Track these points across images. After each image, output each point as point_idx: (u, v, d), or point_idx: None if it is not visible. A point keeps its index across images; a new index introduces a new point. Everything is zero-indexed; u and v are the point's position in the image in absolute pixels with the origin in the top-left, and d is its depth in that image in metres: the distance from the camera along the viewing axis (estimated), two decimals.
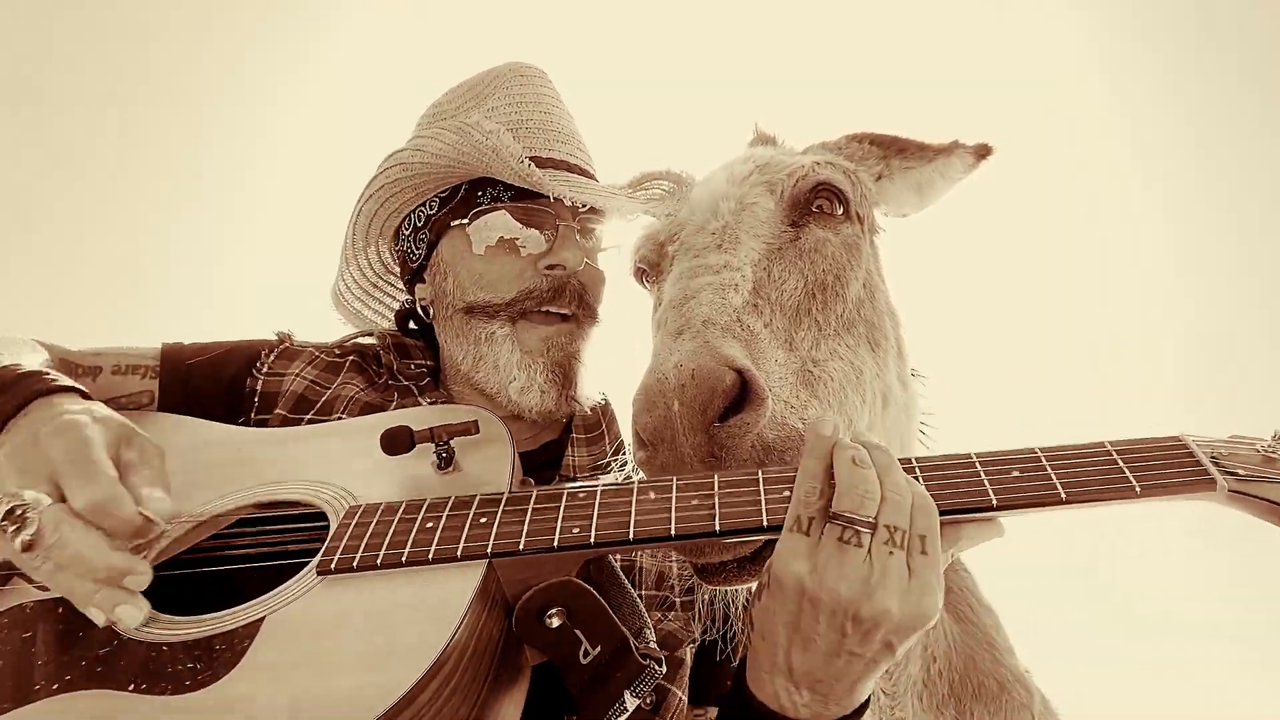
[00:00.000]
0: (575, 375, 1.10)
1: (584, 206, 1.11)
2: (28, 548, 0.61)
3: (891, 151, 1.26)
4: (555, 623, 0.66)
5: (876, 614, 0.61)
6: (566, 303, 1.09)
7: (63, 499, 0.65)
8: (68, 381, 0.78)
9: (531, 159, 1.04)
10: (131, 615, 0.63)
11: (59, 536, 0.62)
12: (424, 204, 1.16)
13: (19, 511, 0.62)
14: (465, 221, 1.11)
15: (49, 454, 0.67)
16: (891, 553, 0.62)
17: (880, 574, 0.61)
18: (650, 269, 1.10)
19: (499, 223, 1.09)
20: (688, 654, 1.00)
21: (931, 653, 1.17)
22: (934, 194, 1.30)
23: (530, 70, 1.19)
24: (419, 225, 1.17)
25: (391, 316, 1.31)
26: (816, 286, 0.93)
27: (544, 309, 1.08)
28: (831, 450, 0.66)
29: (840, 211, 1.03)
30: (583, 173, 1.14)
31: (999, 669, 1.19)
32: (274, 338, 1.17)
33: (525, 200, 1.09)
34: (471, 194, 1.12)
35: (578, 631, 0.66)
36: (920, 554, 0.63)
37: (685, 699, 0.99)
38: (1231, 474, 0.67)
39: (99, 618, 0.64)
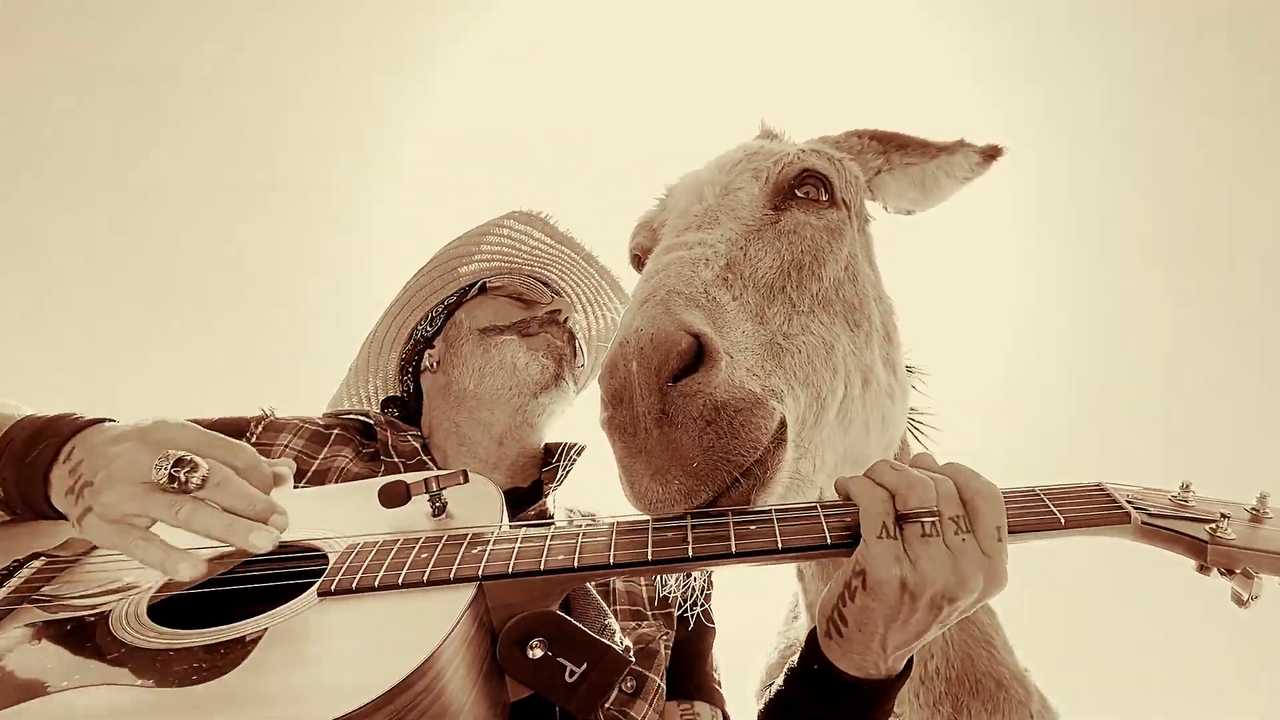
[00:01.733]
0: (566, 367, 1.36)
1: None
2: (201, 484, 0.73)
3: (892, 147, 1.28)
4: (537, 653, 0.71)
5: (968, 591, 0.71)
6: (559, 333, 1.39)
7: None
8: (99, 416, 0.89)
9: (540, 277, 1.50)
10: (264, 539, 0.74)
11: (225, 475, 0.75)
12: (441, 301, 1.48)
13: (188, 459, 0.73)
14: (478, 286, 1.46)
15: (173, 436, 0.77)
16: (964, 540, 0.72)
17: (960, 556, 0.71)
18: (644, 254, 1.14)
19: (511, 287, 1.46)
20: (662, 647, 1.12)
21: (929, 649, 1.16)
22: (940, 191, 1.31)
23: (531, 211, 1.53)
24: (436, 314, 1.48)
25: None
26: (792, 265, 0.96)
27: (544, 332, 1.37)
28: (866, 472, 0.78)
29: (825, 197, 1.06)
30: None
31: (997, 667, 1.17)
32: (258, 413, 1.32)
33: (528, 289, 1.47)
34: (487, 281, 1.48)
35: (560, 659, 0.72)
36: (971, 533, 0.73)
37: (663, 686, 1.09)
38: (1143, 510, 0.78)
39: (244, 542, 0.74)
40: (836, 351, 0.94)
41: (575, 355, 1.41)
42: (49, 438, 0.82)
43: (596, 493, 1.39)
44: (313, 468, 1.22)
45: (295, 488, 1.18)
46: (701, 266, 0.87)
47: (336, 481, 1.19)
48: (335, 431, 1.29)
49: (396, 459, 1.27)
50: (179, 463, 0.72)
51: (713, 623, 1.26)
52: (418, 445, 1.31)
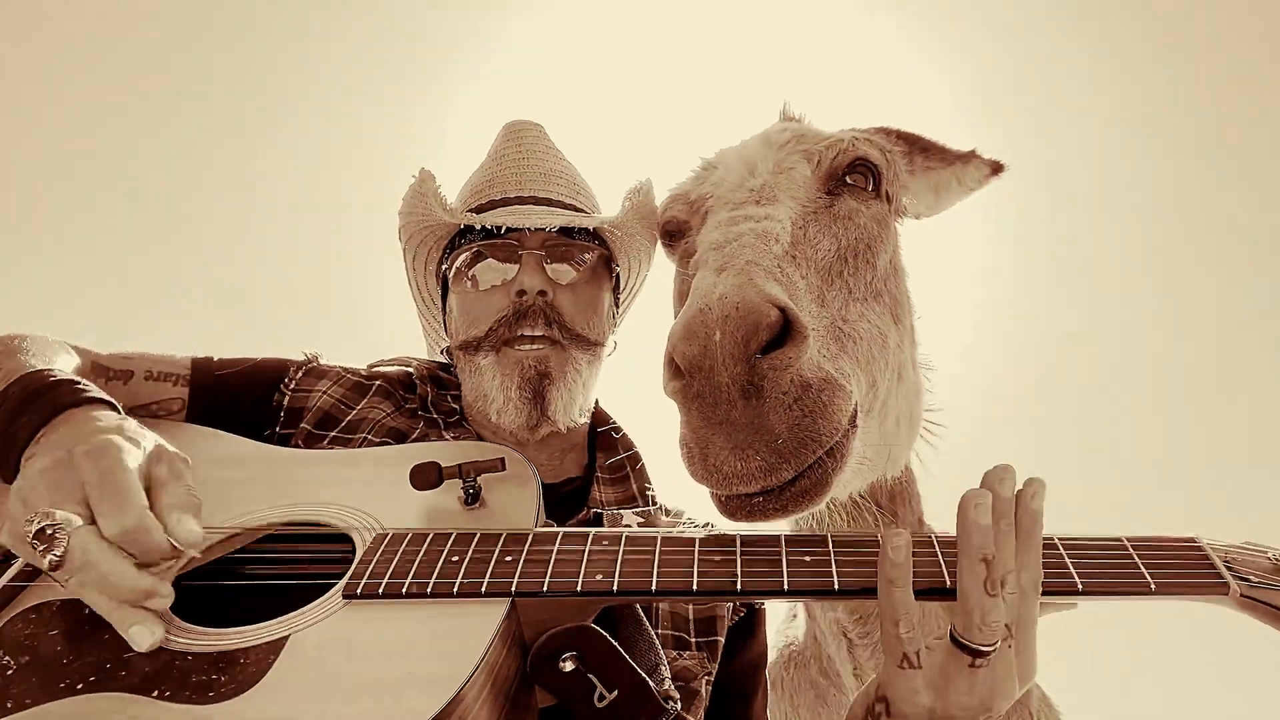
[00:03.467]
0: (548, 393, 1.15)
1: (555, 232, 1.19)
2: (55, 567, 0.62)
3: (915, 149, 1.29)
4: (568, 667, 0.67)
5: (1001, 704, 0.64)
6: (533, 324, 1.14)
7: (94, 520, 0.66)
8: (98, 393, 0.81)
9: (501, 200, 1.21)
10: (143, 636, 0.64)
11: (86, 559, 0.63)
12: (439, 261, 1.29)
13: (49, 531, 0.63)
14: (448, 268, 1.24)
15: (82, 474, 0.68)
16: (1010, 647, 0.65)
17: (1005, 673, 0.64)
18: (679, 228, 1.09)
19: (474, 264, 1.20)
20: (703, 687, 1.05)
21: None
22: (949, 198, 1.33)
23: (518, 126, 1.33)
24: (441, 282, 1.30)
25: None
26: (848, 251, 0.94)
27: (518, 334, 1.14)
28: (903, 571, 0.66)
29: (871, 188, 1.05)
30: (555, 204, 1.23)
31: None
32: (302, 357, 1.23)
33: (493, 238, 1.18)
34: (455, 242, 1.23)
35: (591, 676, 0.68)
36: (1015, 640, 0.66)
37: None
38: (1244, 580, 0.70)
39: (124, 633, 0.65)
40: (889, 343, 0.93)
41: (566, 333, 1.16)
42: (32, 412, 0.76)
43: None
44: (348, 417, 1.15)
45: (329, 436, 1.12)
46: (773, 241, 0.84)
47: (369, 434, 1.12)
48: (376, 384, 1.21)
49: (437, 415, 1.19)
50: (39, 534, 0.63)
51: (765, 648, 1.17)
52: (457, 407, 1.23)
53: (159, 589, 0.65)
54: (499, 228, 1.16)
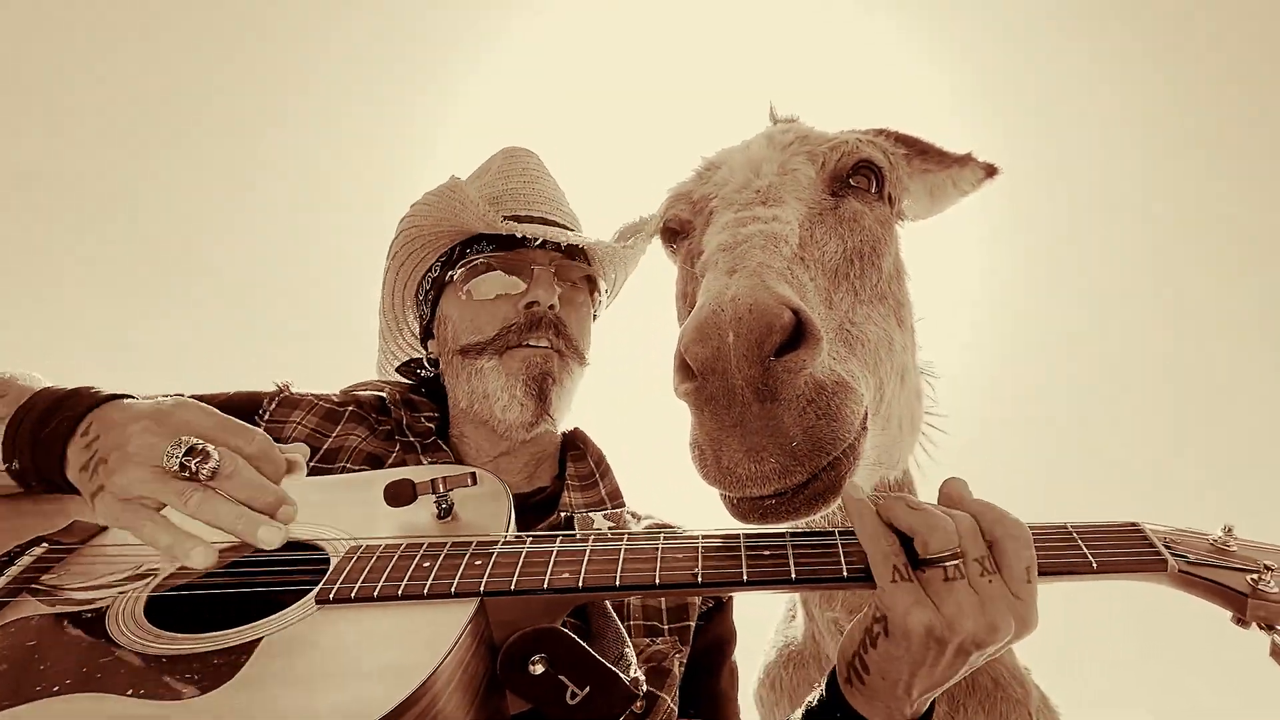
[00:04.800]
0: (551, 393, 1.20)
1: (560, 252, 1.26)
2: (212, 475, 0.71)
3: (914, 151, 1.28)
4: (538, 670, 0.69)
5: (998, 636, 0.66)
6: (542, 334, 1.20)
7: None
8: (116, 391, 0.86)
9: (512, 217, 1.24)
10: (274, 536, 0.72)
11: (236, 467, 0.73)
12: (430, 269, 1.32)
13: (200, 447, 0.71)
14: (455, 273, 1.25)
15: (189, 420, 0.75)
16: (990, 581, 0.67)
17: (988, 600, 0.66)
18: (681, 228, 1.09)
19: (482, 273, 1.23)
20: (675, 665, 1.07)
21: None
22: (944, 201, 1.33)
23: (518, 150, 1.38)
24: (427, 289, 1.32)
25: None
26: (854, 253, 0.94)
27: (524, 342, 1.19)
28: (877, 509, 0.72)
29: (874, 190, 1.05)
30: (558, 226, 1.29)
31: (995, 665, 1.19)
32: (274, 387, 1.24)
33: (505, 250, 1.23)
34: (462, 251, 1.26)
35: (562, 677, 0.69)
36: (998, 574, 0.68)
37: (675, 707, 1.05)
38: (1182, 557, 0.73)
39: (252, 537, 0.72)
40: (894, 345, 0.93)
41: (568, 345, 1.23)
42: (67, 410, 0.79)
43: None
44: (325, 446, 1.16)
45: (308, 467, 1.12)
46: (782, 243, 0.84)
47: (348, 461, 1.14)
48: (349, 409, 1.23)
49: (413, 438, 1.20)
50: (190, 451, 0.71)
51: (732, 631, 1.20)
52: (432, 426, 1.24)
53: (288, 499, 0.75)
54: (520, 238, 1.21)
